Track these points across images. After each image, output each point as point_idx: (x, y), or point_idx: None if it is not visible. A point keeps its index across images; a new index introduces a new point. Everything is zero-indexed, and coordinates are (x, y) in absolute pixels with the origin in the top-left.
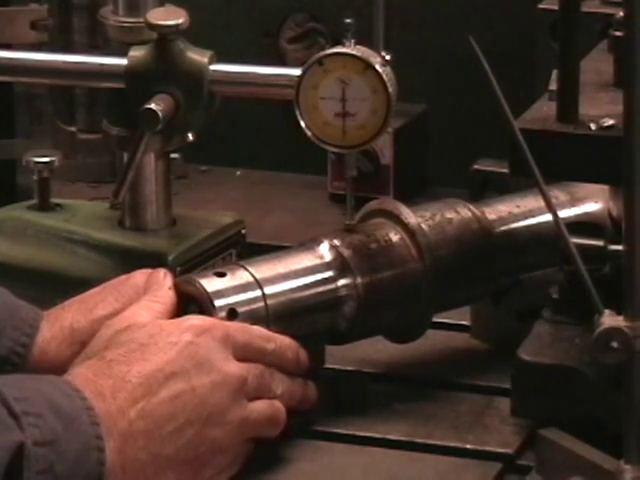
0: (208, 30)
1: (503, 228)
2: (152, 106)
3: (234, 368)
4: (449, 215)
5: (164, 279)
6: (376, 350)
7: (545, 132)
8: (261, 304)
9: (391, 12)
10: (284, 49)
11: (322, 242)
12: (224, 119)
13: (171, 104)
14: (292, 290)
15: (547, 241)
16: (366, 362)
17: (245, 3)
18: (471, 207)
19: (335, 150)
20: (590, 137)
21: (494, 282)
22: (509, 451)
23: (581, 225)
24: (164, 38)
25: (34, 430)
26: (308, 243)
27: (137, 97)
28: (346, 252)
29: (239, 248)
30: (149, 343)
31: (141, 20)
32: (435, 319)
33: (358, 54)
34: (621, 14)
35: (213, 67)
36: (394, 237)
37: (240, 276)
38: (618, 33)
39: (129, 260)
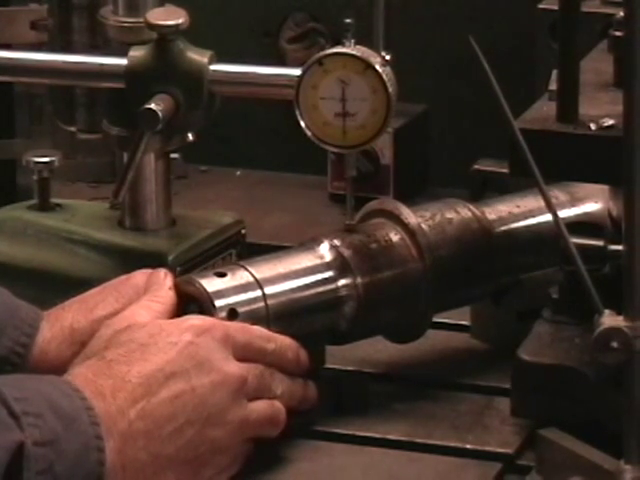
0: (208, 30)
1: (503, 228)
2: (152, 106)
3: (234, 368)
4: (449, 215)
5: (164, 279)
6: (376, 350)
7: (545, 132)
8: (261, 304)
9: (391, 12)
10: (284, 49)
11: (322, 242)
12: (224, 119)
13: (171, 104)
14: (292, 290)
15: (547, 241)
16: (366, 362)
17: (245, 3)
18: (471, 207)
19: (335, 150)
20: (590, 137)
21: (494, 282)
22: (509, 451)
23: (581, 225)
24: (164, 38)
25: (34, 430)
26: (308, 243)
27: (137, 97)
28: (346, 252)
29: (239, 248)
30: (149, 343)
31: (141, 20)
32: (435, 319)
33: (358, 54)
34: (621, 14)
35: (213, 67)
36: (394, 237)
37: (240, 276)
38: (618, 33)
39: (129, 260)
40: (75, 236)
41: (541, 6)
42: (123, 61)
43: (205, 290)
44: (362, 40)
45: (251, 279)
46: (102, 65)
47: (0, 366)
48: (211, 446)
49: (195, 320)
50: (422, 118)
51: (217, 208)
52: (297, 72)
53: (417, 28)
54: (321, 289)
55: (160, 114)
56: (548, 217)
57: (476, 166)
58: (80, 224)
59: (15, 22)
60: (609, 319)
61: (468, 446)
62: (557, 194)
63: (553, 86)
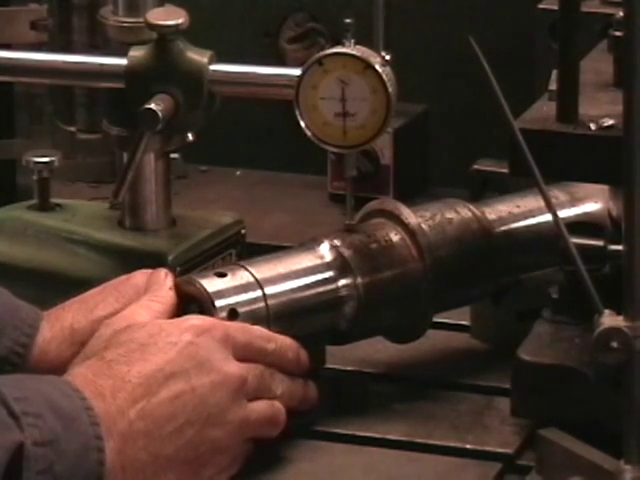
0: (208, 30)
1: (503, 228)
2: (152, 106)
3: (234, 368)
4: (449, 215)
5: (165, 279)
6: (376, 350)
7: (545, 132)
8: (262, 304)
9: (391, 12)
10: (284, 49)
11: (322, 242)
12: (224, 119)
13: (171, 104)
14: (293, 290)
15: (547, 241)
16: (366, 362)
17: (245, 3)
18: (471, 207)
19: (335, 150)
20: (590, 137)
21: (494, 282)
22: (509, 451)
23: (581, 225)
24: (164, 38)
25: (34, 430)
26: (308, 243)
27: (137, 97)
28: (346, 252)
29: (239, 248)
30: (149, 343)
31: (141, 20)
32: (435, 319)
33: (358, 54)
34: (621, 14)
35: (213, 67)
36: (394, 237)
37: (241, 276)
38: (618, 33)
39: (129, 260)
40: (75, 236)
41: (541, 6)
42: (123, 61)
43: (205, 290)
44: (362, 40)
45: (251, 279)
46: (102, 65)
47: (0, 366)
48: (211, 446)
49: (195, 320)
50: (422, 118)
51: (217, 208)
52: (297, 72)
53: (417, 28)
54: (321, 289)
55: (160, 114)
56: (548, 217)
57: (476, 166)
58: (80, 224)
59: (15, 22)
60: (609, 319)
61: (468, 446)
62: (557, 194)
63: (553, 86)
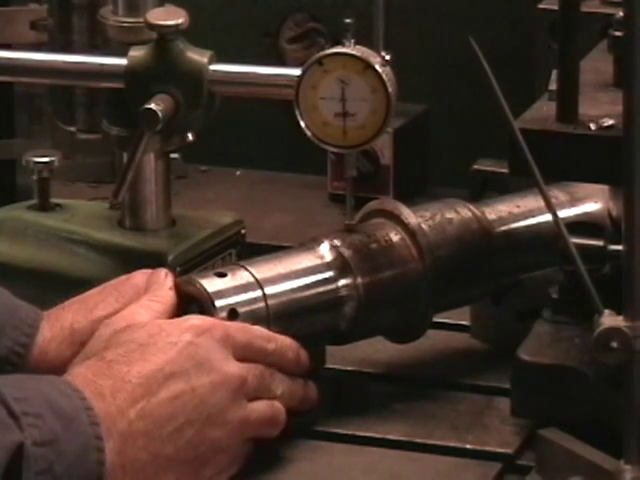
0: (208, 30)
1: (503, 228)
2: (152, 106)
3: (234, 368)
4: (449, 215)
5: (165, 279)
6: (376, 350)
7: (545, 132)
8: (262, 304)
9: (391, 12)
10: (284, 49)
11: (322, 242)
12: (224, 119)
13: (171, 104)
14: (293, 290)
15: (547, 241)
16: (366, 362)
17: (245, 3)
18: (471, 207)
19: (335, 150)
20: (590, 137)
21: (494, 282)
22: (509, 451)
23: (581, 225)
24: (164, 38)
25: (34, 430)
26: (308, 243)
27: (137, 97)
28: (346, 252)
29: (239, 248)
30: (149, 343)
31: (141, 20)
32: (435, 319)
33: (358, 54)
34: (621, 14)
35: (213, 67)
36: (394, 237)
37: (241, 276)
38: (618, 33)
39: (129, 260)
40: (75, 236)
41: (541, 6)
42: (123, 61)
43: (205, 290)
44: (362, 40)
45: (251, 279)
46: (102, 65)
47: (0, 366)
48: (211, 446)
49: (195, 320)
50: (422, 118)
51: (217, 208)
52: (297, 72)
53: (417, 28)
54: (321, 289)
55: (160, 114)
56: (548, 217)
57: (476, 166)
58: (80, 224)
59: (15, 22)
60: (609, 319)
61: (468, 446)
62: (557, 194)
63: (553, 86)
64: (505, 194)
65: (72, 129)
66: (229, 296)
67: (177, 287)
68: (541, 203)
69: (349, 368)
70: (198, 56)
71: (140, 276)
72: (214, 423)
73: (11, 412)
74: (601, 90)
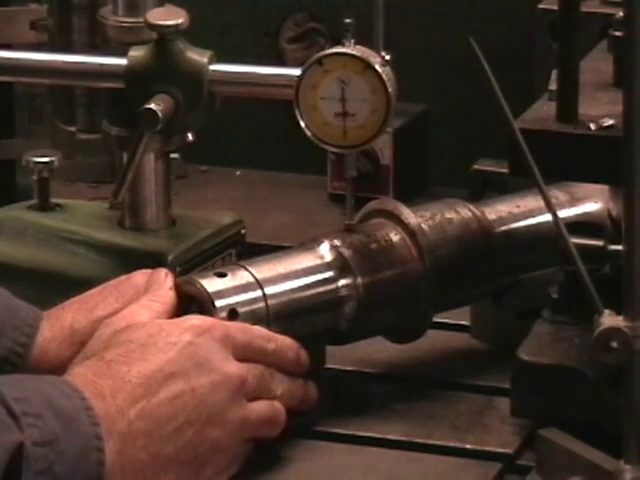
0: (208, 30)
1: (503, 228)
2: (152, 106)
3: (234, 368)
4: (449, 215)
5: (165, 279)
6: (376, 350)
7: (545, 132)
8: (262, 304)
9: (391, 12)
10: (284, 49)
11: (322, 242)
12: (224, 119)
13: (171, 104)
14: (293, 290)
15: (547, 241)
16: (366, 362)
17: (245, 3)
18: (471, 207)
19: (335, 150)
20: (590, 137)
21: (494, 282)
22: (509, 451)
23: (581, 225)
24: (164, 38)
25: (33, 430)
26: (308, 243)
27: (137, 97)
28: (346, 252)
29: (239, 248)
30: (149, 343)
31: (141, 20)
32: (435, 319)
33: (358, 54)
34: (621, 14)
35: (213, 67)
36: (394, 237)
37: (241, 276)
38: (618, 33)
39: (129, 260)
40: (75, 236)
41: (541, 6)
42: (123, 61)
43: (205, 290)
44: (362, 40)
45: (251, 279)
46: (102, 65)
47: (0, 366)
48: (211, 446)
49: (195, 320)
50: (422, 118)
51: (217, 208)
52: (297, 72)
53: (417, 28)
54: (321, 289)
55: (160, 114)
56: (548, 217)
57: (476, 166)
58: (80, 224)
59: (15, 22)
60: (609, 319)
61: (468, 446)
62: (557, 194)
63: (553, 86)
64: (505, 194)
65: (72, 129)
66: (229, 296)
67: (177, 287)
68: (541, 203)
69: (349, 368)
70: (198, 56)
71: (140, 276)
72: (214, 423)
73: (11, 412)
74: (601, 90)
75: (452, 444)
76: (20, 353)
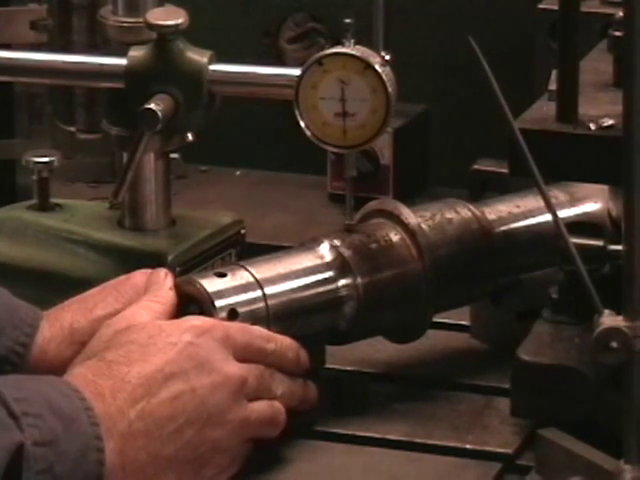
0: (208, 30)
1: (503, 228)
2: (152, 106)
3: (234, 369)
4: (449, 215)
5: (165, 279)
6: (376, 350)
7: (545, 132)
8: (262, 304)
9: (391, 12)
10: (284, 49)
11: (322, 242)
12: (224, 119)
13: (171, 104)
14: (292, 290)
15: (547, 241)
16: (366, 362)
17: (245, 3)
18: (471, 207)
19: (335, 150)
20: (590, 137)
21: (494, 282)
22: (509, 451)
23: (581, 225)
24: (164, 38)
25: (33, 430)
26: (308, 243)
27: (137, 97)
28: (346, 252)
29: (239, 248)
30: (149, 344)
31: (141, 20)
32: (435, 319)
33: (358, 54)
34: (621, 14)
35: (213, 67)
36: (394, 237)
37: (240, 276)
38: (618, 33)
39: (129, 260)
40: (75, 236)
41: (541, 6)
42: (123, 61)
43: (205, 290)
44: (362, 40)
45: (251, 279)
46: (102, 65)
47: (0, 366)
48: (211, 446)
49: (195, 321)
50: (422, 118)
51: (217, 208)
52: (297, 72)
53: (417, 28)
54: (321, 289)
55: (160, 114)
56: (548, 217)
57: (476, 166)
58: (80, 224)
59: (15, 22)
60: (609, 319)
61: (468, 446)
62: (557, 194)
63: (553, 86)
64: (505, 194)
65: (72, 129)
66: (229, 296)
67: (177, 287)
68: (541, 203)
69: (349, 368)
70: (198, 56)
71: (140, 276)
72: (214, 423)
73: (11, 412)
74: (601, 90)
75: (452, 444)
76: (20, 353)
